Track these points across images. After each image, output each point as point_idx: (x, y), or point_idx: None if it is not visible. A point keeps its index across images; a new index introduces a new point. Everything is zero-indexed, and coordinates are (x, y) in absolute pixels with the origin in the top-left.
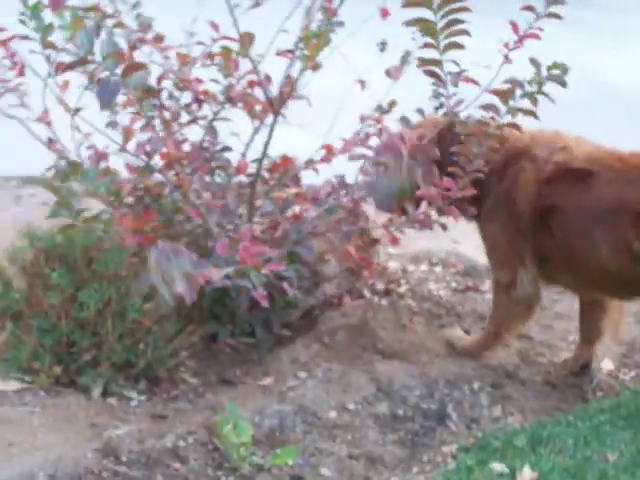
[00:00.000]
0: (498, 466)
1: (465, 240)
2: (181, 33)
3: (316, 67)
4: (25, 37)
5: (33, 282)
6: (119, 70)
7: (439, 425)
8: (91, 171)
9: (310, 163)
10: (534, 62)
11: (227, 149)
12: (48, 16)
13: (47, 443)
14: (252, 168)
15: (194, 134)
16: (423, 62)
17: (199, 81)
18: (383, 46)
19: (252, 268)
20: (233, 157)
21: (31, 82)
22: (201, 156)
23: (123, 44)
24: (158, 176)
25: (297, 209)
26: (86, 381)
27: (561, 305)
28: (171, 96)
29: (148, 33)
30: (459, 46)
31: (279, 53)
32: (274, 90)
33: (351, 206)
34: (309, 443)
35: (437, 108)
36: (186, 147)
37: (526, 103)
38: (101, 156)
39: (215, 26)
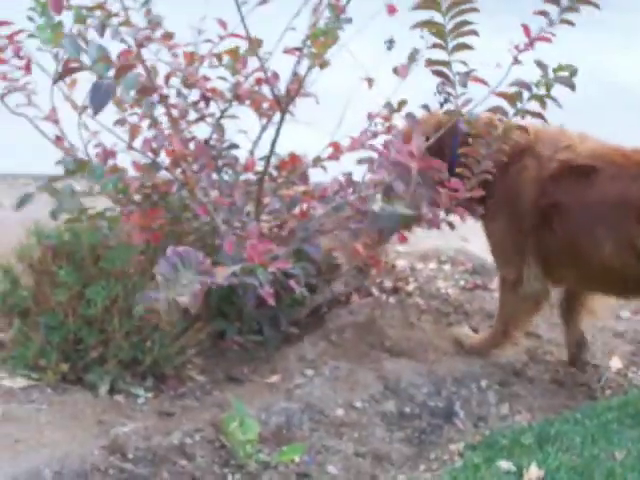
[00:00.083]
0: (505, 464)
1: (474, 238)
2: (189, 31)
3: (324, 65)
4: (33, 35)
5: (40, 279)
6: (111, 73)
7: (446, 423)
8: (99, 168)
9: (318, 161)
10: (541, 65)
11: (234, 146)
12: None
13: (54, 440)
14: (260, 166)
15: (202, 132)
16: (431, 63)
17: (206, 79)
18: (391, 44)
19: (259, 266)
20: (241, 155)
21: (39, 80)
22: (207, 153)
23: (131, 42)
24: (166, 174)
25: (304, 207)
26: (93, 378)
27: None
28: (179, 94)
29: (157, 31)
30: (468, 47)
31: (287, 51)
32: (282, 88)
33: (358, 204)
34: (316, 441)
35: (442, 104)
36: (194, 145)
37: (534, 105)
38: (109, 154)
39: (223, 24)
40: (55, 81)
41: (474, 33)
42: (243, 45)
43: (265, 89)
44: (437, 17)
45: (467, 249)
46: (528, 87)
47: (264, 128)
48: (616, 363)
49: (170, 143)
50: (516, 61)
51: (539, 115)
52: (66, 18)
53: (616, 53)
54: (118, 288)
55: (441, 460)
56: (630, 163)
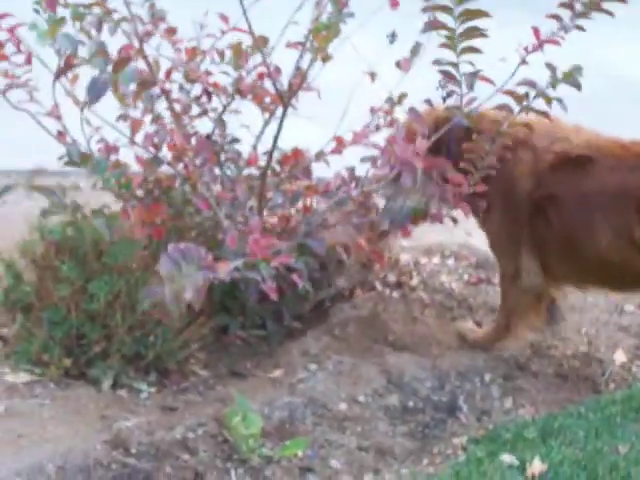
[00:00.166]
0: (508, 458)
1: (477, 233)
2: (192, 25)
3: (326, 58)
4: (34, 27)
5: (43, 275)
6: (109, 68)
7: (450, 417)
8: (102, 162)
9: (320, 155)
10: (550, 66)
11: (236, 141)
12: (60, 9)
13: (57, 435)
14: (262, 160)
15: (204, 127)
16: (439, 62)
17: (208, 73)
18: (393, 37)
19: (261, 260)
20: (244, 150)
21: (41, 76)
22: (209, 148)
23: (132, 37)
24: (168, 169)
25: (308, 201)
26: (96, 373)
27: (573, 298)
28: (181, 88)
29: (160, 25)
30: (477, 50)
31: (289, 45)
32: (284, 82)
33: (361, 198)
34: (319, 435)
35: (444, 98)
36: (196, 140)
37: (540, 102)
38: (111, 149)
39: (225, 18)
40: (57, 76)
41: (483, 35)
42: (245, 40)
43: (267, 83)
44: (445, 17)
45: (471, 243)
46: (535, 86)
47: (267, 123)
48: (620, 357)
49: (172, 138)
50: (523, 62)
51: (544, 113)
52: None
53: (622, 46)
54: (121, 283)
55: (444, 454)
56: (628, 154)
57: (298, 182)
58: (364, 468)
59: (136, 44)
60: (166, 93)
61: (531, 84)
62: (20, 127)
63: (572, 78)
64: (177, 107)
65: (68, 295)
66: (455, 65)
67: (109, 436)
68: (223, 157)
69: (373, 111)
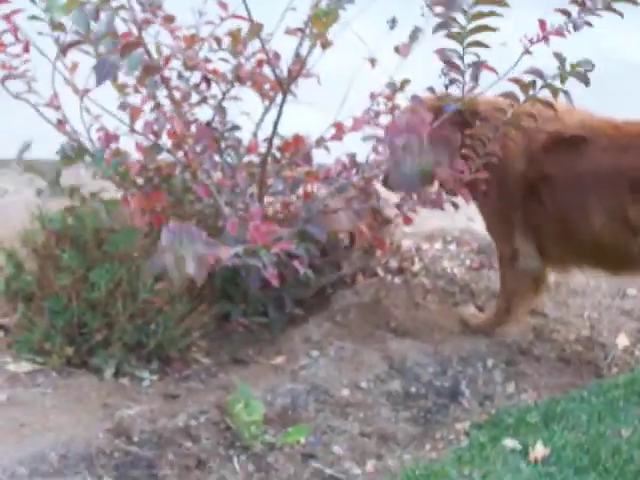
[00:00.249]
0: (510, 442)
1: (479, 218)
2: (191, 13)
3: (326, 44)
4: (34, 17)
5: (44, 264)
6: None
7: (452, 402)
8: (98, 153)
9: (321, 142)
10: (558, 56)
11: (236, 128)
12: None
13: (59, 424)
14: (263, 147)
15: (204, 114)
16: (443, 51)
17: (207, 61)
18: (393, 23)
19: (262, 247)
20: (244, 137)
21: (39, 65)
22: (209, 135)
23: (130, 25)
24: (168, 157)
25: (308, 187)
26: (98, 362)
27: (576, 282)
28: (180, 76)
29: (158, 13)
30: (484, 45)
31: (288, 31)
32: (283, 68)
33: (362, 184)
34: (321, 421)
35: (447, 86)
36: (196, 127)
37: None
38: (111, 138)
39: (224, 5)
40: (62, 52)
41: (491, 29)
42: (244, 26)
43: (267, 70)
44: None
45: (473, 229)
46: (542, 75)
47: (267, 109)
48: (623, 341)
49: (172, 125)
50: (527, 52)
51: (549, 104)
52: None
53: (625, 31)
54: (122, 271)
55: (447, 439)
56: (621, 134)
57: (298, 169)
58: (367, 454)
59: (135, 32)
60: (165, 81)
61: (538, 73)
62: (20, 116)
63: (581, 72)
64: (176, 95)
65: (69, 284)
66: (459, 55)
67: (111, 424)
68: (223, 144)
69: (373, 97)
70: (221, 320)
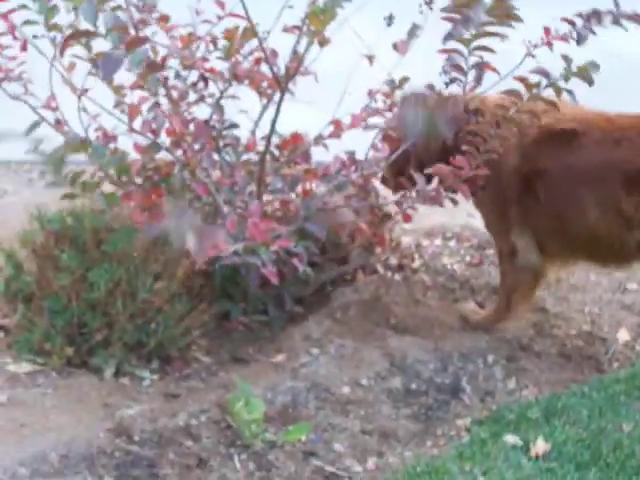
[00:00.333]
0: (511, 438)
1: (479, 214)
2: (187, 11)
3: (324, 42)
4: (28, 22)
5: (44, 264)
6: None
7: (453, 399)
8: (101, 148)
9: (319, 139)
10: (566, 58)
11: (234, 126)
12: None
13: (59, 424)
14: (261, 146)
15: (203, 113)
16: (447, 52)
17: (204, 59)
18: (390, 20)
19: (261, 245)
20: (242, 135)
21: (37, 65)
22: (208, 133)
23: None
24: (167, 156)
25: (307, 185)
26: (98, 361)
27: (576, 277)
28: (178, 75)
29: (153, 14)
30: (489, 50)
31: (286, 29)
32: (281, 66)
33: (361, 182)
34: (322, 419)
35: (447, 84)
36: (194, 126)
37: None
38: (109, 138)
39: (221, 4)
40: (65, 43)
41: (500, 36)
42: (242, 24)
43: (265, 68)
44: None
45: (473, 225)
46: (548, 76)
47: (265, 108)
48: (623, 335)
49: (170, 123)
50: (529, 55)
51: (552, 103)
52: None
53: (627, 29)
54: (121, 271)
55: (448, 436)
56: (613, 127)
57: (297, 166)
58: (368, 451)
59: (132, 31)
60: (163, 80)
61: (544, 73)
62: (18, 117)
63: (585, 73)
64: (174, 94)
65: (69, 284)
66: (463, 56)
67: (112, 424)
68: (221, 143)
69: (371, 94)
70: (221, 319)
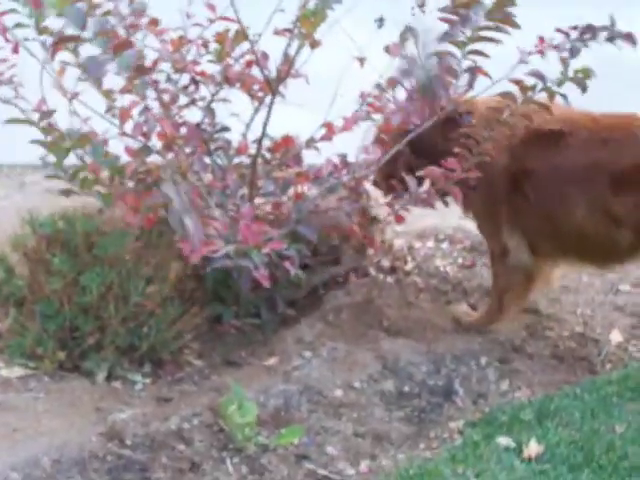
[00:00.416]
0: (504, 440)
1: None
2: (177, 15)
3: (315, 44)
4: (19, 24)
5: (35, 268)
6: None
7: (446, 401)
8: (100, 147)
9: (311, 142)
10: (563, 61)
11: (226, 129)
12: None
13: (52, 428)
14: (253, 149)
15: (194, 116)
16: (442, 55)
17: (195, 63)
18: (381, 22)
19: (253, 247)
20: (234, 138)
21: (28, 69)
22: (198, 136)
23: (119, 29)
24: (159, 159)
25: (299, 188)
26: (90, 365)
27: (568, 278)
28: (168, 78)
29: (142, 18)
30: (483, 54)
31: (277, 32)
32: (272, 69)
33: (353, 184)
34: (314, 422)
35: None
36: (185, 129)
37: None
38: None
39: (212, 7)
40: (53, 47)
41: (496, 41)
42: (233, 28)
43: (256, 71)
44: None
45: (465, 226)
46: (543, 79)
47: (256, 111)
48: (616, 337)
49: (161, 127)
50: (522, 62)
51: (546, 107)
52: None
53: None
54: (113, 275)
55: (441, 438)
56: (599, 127)
57: (289, 169)
58: (360, 454)
59: (122, 33)
60: (154, 84)
61: (540, 76)
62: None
63: (580, 78)
64: (165, 97)
65: (60, 288)
66: (457, 59)
67: (104, 428)
68: (213, 146)
69: (363, 97)
70: (213, 322)
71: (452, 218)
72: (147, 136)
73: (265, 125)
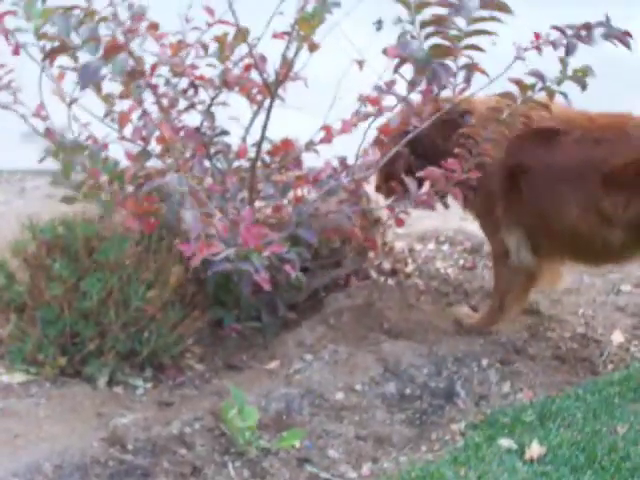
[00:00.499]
0: (506, 442)
1: (472, 217)
2: (177, 19)
3: (314, 47)
4: (18, 29)
5: (36, 274)
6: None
7: (447, 403)
8: (98, 153)
9: (310, 145)
10: (563, 61)
11: (225, 133)
12: None
13: (53, 434)
14: (252, 152)
15: (193, 120)
16: (436, 51)
17: (194, 67)
18: (379, 25)
19: (253, 250)
20: (234, 142)
21: (27, 74)
22: (198, 139)
23: (117, 34)
24: (159, 163)
25: (299, 191)
26: (91, 371)
27: (570, 279)
28: (167, 82)
29: (141, 22)
30: (479, 49)
31: (275, 35)
32: (271, 72)
33: (352, 187)
34: (316, 425)
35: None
36: (184, 133)
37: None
38: (100, 146)
39: (210, 11)
40: (45, 58)
41: (490, 34)
42: (232, 32)
43: (254, 74)
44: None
45: (466, 228)
46: (543, 78)
47: (255, 114)
48: (618, 337)
49: (160, 131)
50: (519, 58)
51: (545, 106)
52: None
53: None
54: (113, 280)
55: (443, 440)
56: (594, 126)
57: (289, 173)
58: (362, 457)
59: (121, 38)
60: (153, 88)
61: (539, 76)
62: (6, 127)
63: (579, 76)
64: (164, 101)
65: (61, 294)
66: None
67: (106, 433)
68: (213, 150)
69: (361, 99)
70: (214, 326)
71: (453, 220)
72: (146, 140)
73: (264, 128)
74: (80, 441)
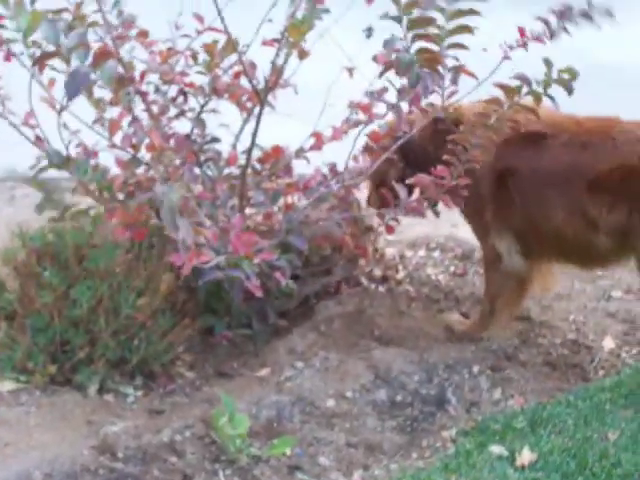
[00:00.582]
0: (497, 449)
1: (463, 224)
2: (167, 26)
3: (303, 55)
4: (8, 40)
5: (26, 282)
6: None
7: (438, 410)
8: (84, 164)
9: (300, 152)
10: (547, 62)
11: (215, 140)
12: None
13: (43, 442)
14: (242, 159)
15: (184, 128)
16: (423, 54)
17: (184, 74)
18: (369, 32)
19: (244, 258)
20: (224, 149)
21: (14, 81)
22: (188, 147)
23: (107, 40)
24: (150, 171)
25: (289, 198)
26: (81, 379)
27: (560, 285)
28: (157, 90)
29: (131, 29)
30: (463, 47)
31: (265, 42)
32: (261, 79)
33: (342, 194)
34: (307, 433)
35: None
36: (174, 140)
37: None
38: (90, 154)
39: (200, 18)
40: (35, 65)
41: (469, 31)
42: (221, 39)
43: (244, 82)
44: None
45: (456, 235)
46: (529, 82)
47: (245, 121)
48: (609, 343)
49: (150, 138)
50: (506, 58)
51: (532, 111)
52: None
53: (589, 31)
54: (103, 288)
55: (434, 447)
56: (581, 130)
57: (279, 180)
58: (353, 464)
59: (110, 43)
60: (142, 95)
61: (525, 79)
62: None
63: (565, 79)
64: (154, 109)
65: (51, 301)
66: (440, 60)
67: (96, 441)
68: (203, 157)
69: (352, 106)
70: (205, 333)
71: (444, 227)
72: (136, 148)
73: (254, 136)
74: (70, 449)
